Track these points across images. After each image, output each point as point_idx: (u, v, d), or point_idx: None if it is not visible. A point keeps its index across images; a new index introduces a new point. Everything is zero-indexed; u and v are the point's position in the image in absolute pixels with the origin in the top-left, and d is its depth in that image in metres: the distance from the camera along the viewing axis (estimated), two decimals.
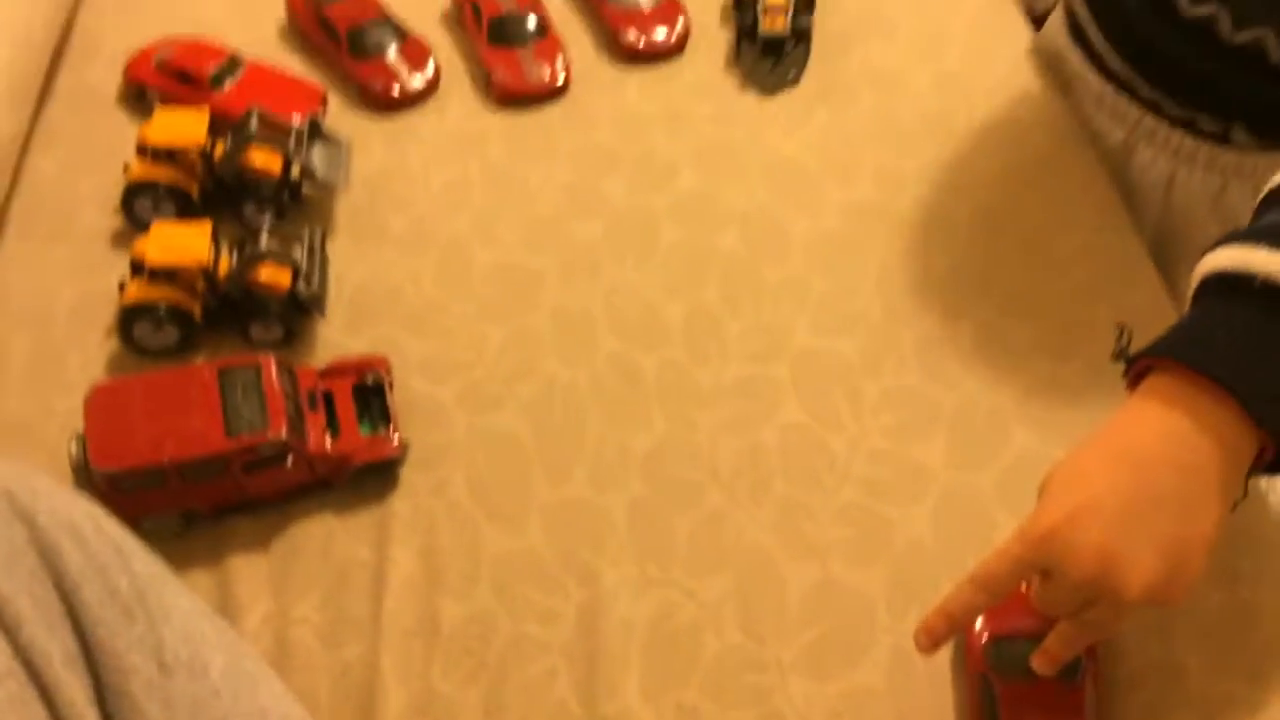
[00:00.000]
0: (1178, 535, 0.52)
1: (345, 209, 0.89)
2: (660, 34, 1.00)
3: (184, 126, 0.84)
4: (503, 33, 0.98)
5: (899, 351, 0.81)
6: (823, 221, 0.89)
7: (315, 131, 0.87)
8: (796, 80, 0.98)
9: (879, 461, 0.75)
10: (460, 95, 0.98)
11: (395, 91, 0.95)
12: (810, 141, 0.95)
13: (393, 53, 0.96)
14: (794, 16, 0.98)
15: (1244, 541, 0.72)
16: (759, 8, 0.99)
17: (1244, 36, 0.81)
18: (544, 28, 0.99)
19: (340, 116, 0.95)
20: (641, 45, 1.00)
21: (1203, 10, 0.82)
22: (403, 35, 0.98)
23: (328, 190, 0.87)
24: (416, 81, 0.96)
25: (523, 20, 0.99)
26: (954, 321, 0.83)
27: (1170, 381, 0.53)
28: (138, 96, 0.94)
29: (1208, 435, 0.51)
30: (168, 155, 0.83)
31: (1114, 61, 0.92)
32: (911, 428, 0.77)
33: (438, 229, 0.88)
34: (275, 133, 0.85)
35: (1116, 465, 0.53)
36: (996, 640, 0.64)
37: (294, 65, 0.99)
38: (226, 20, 1.02)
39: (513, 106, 0.97)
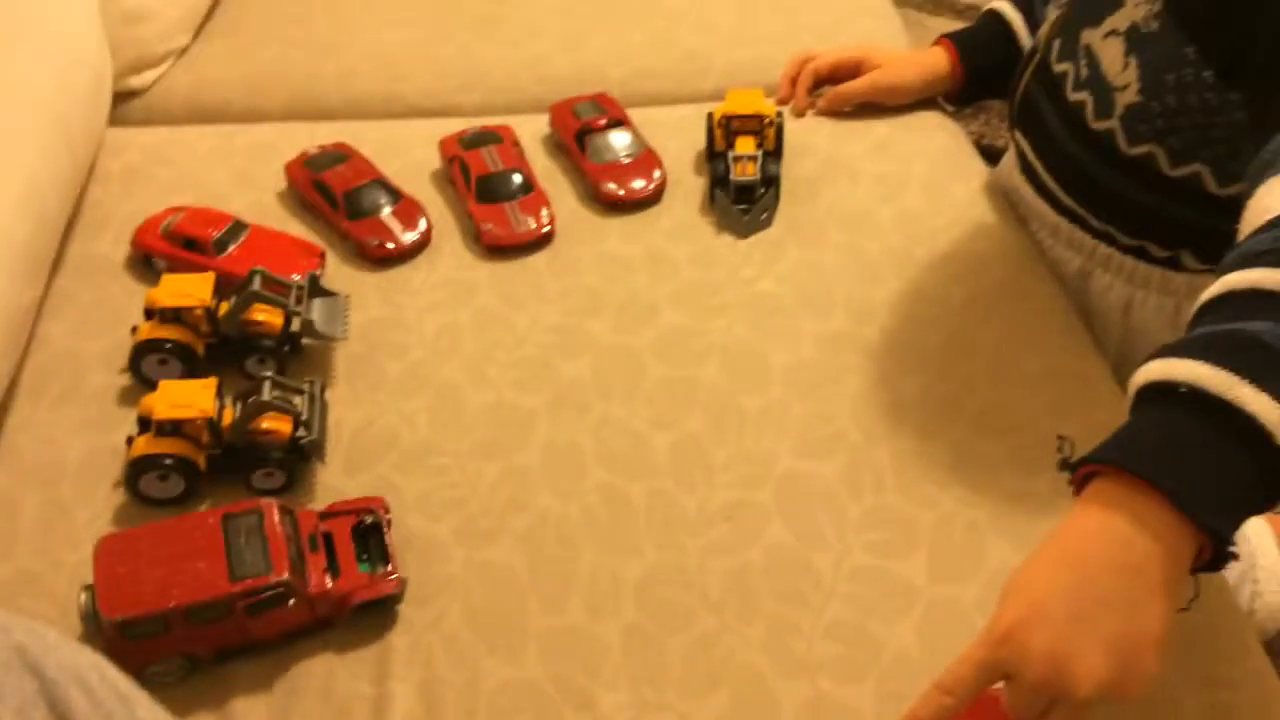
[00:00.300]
0: (1125, 634, 0.54)
1: (344, 358, 0.93)
2: (639, 184, 1.07)
3: (190, 288, 0.89)
4: (490, 190, 1.04)
5: (877, 472, 0.84)
6: (799, 352, 0.93)
7: (315, 287, 0.92)
8: (768, 223, 1.04)
9: (863, 579, 0.78)
10: (451, 248, 1.04)
11: (390, 247, 1.01)
12: (784, 277, 1.00)
13: (387, 212, 1.03)
14: (763, 165, 1.05)
15: (1222, 646, 0.74)
16: (730, 158, 1.06)
17: (1182, 171, 0.87)
18: (529, 184, 1.06)
19: (339, 272, 1.01)
20: (622, 194, 1.06)
21: (1141, 149, 0.88)
22: (396, 195, 1.05)
23: (327, 341, 0.92)
24: (409, 237, 1.02)
25: (508, 177, 1.05)
26: (929, 441, 0.86)
27: (1110, 486, 0.56)
28: (145, 264, 1.00)
29: (1147, 536, 0.54)
30: (174, 316, 0.88)
31: (1064, 197, 0.98)
32: (893, 545, 0.80)
33: (432, 373, 0.92)
34: (277, 290, 0.90)
35: (1062, 569, 0.55)
36: None
37: (294, 227, 1.05)
38: (229, 189, 1.09)
39: (501, 256, 1.02)
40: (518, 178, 1.06)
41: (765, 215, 1.04)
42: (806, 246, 1.03)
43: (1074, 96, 0.93)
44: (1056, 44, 0.96)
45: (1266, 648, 0.78)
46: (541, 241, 1.03)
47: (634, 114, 1.15)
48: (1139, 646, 0.54)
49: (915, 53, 1.19)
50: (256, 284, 0.88)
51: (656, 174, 1.08)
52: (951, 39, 1.16)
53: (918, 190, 1.08)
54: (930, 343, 0.94)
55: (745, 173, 1.04)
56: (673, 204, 1.08)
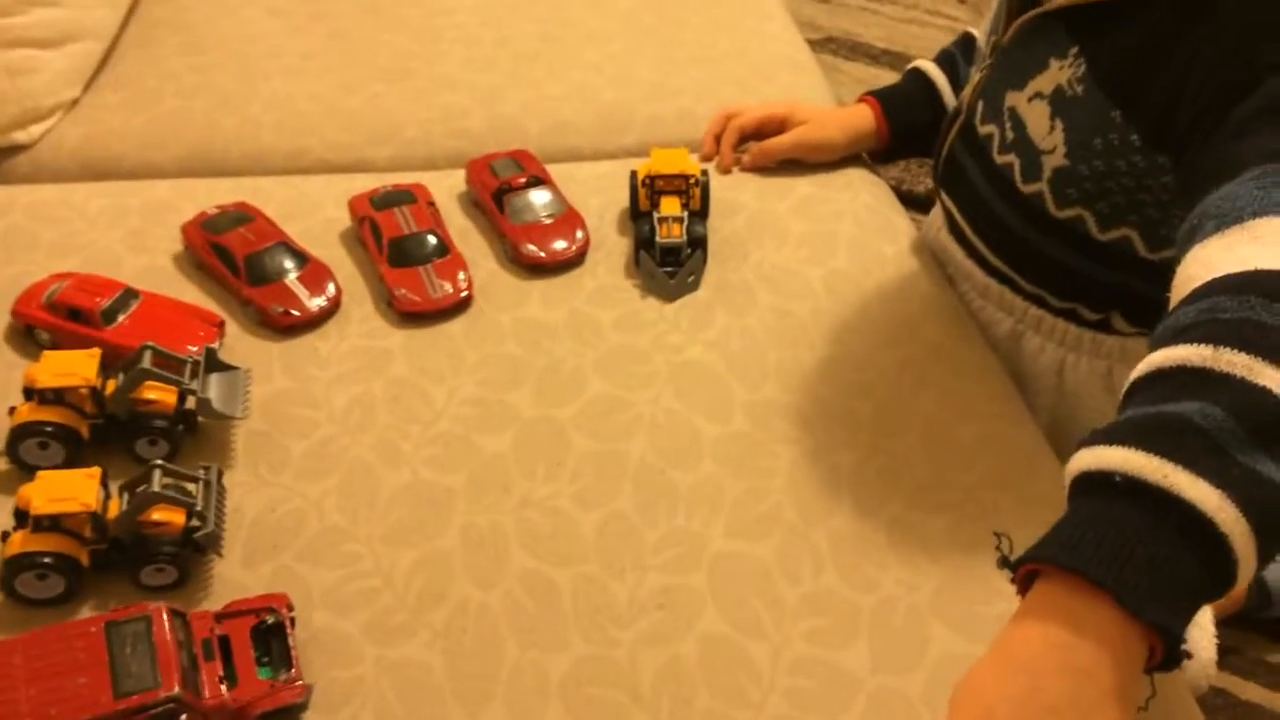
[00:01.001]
0: None
1: (244, 437, 0.87)
2: (561, 245, 1.03)
3: (74, 366, 0.81)
4: (404, 253, 0.99)
5: (815, 553, 0.80)
6: (731, 423, 0.90)
7: (212, 361, 0.86)
8: (695, 285, 1.01)
9: (803, 671, 0.74)
10: (362, 314, 0.98)
11: (295, 314, 0.95)
12: (713, 343, 0.96)
13: (292, 277, 0.97)
14: (689, 226, 1.02)
15: None
16: (655, 219, 1.02)
17: (1111, 235, 0.86)
18: (444, 246, 1.01)
19: (239, 342, 0.94)
20: (543, 256, 1.02)
21: (1070, 212, 0.87)
22: (302, 259, 0.99)
23: (226, 420, 0.85)
24: (316, 303, 0.96)
25: (423, 239, 1.00)
26: (866, 519, 0.83)
27: (1051, 587, 0.53)
28: (26, 335, 0.92)
29: (1090, 639, 0.51)
30: (56, 397, 0.80)
31: (993, 259, 0.97)
32: (833, 632, 0.76)
33: (341, 452, 0.86)
34: (170, 367, 0.83)
35: (1009, 676, 0.52)
36: None
37: (191, 294, 0.98)
38: (121, 252, 1.02)
39: (415, 323, 0.97)
40: (433, 239, 1.01)
41: (692, 278, 1.01)
42: (735, 310, 0.99)
43: (1001, 159, 0.92)
44: (980, 105, 0.95)
45: (1200, 704, 0.77)
46: (459, 307, 0.98)
47: (553, 170, 1.11)
48: None
49: (840, 110, 1.18)
50: (147, 360, 0.82)
51: (579, 235, 1.04)
52: (876, 97, 1.15)
53: (845, 250, 1.05)
54: (863, 412, 0.91)
55: (671, 234, 1.01)
56: (596, 266, 1.04)
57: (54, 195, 1.09)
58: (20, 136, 1.14)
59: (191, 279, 1.00)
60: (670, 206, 1.03)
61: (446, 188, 1.11)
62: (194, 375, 0.84)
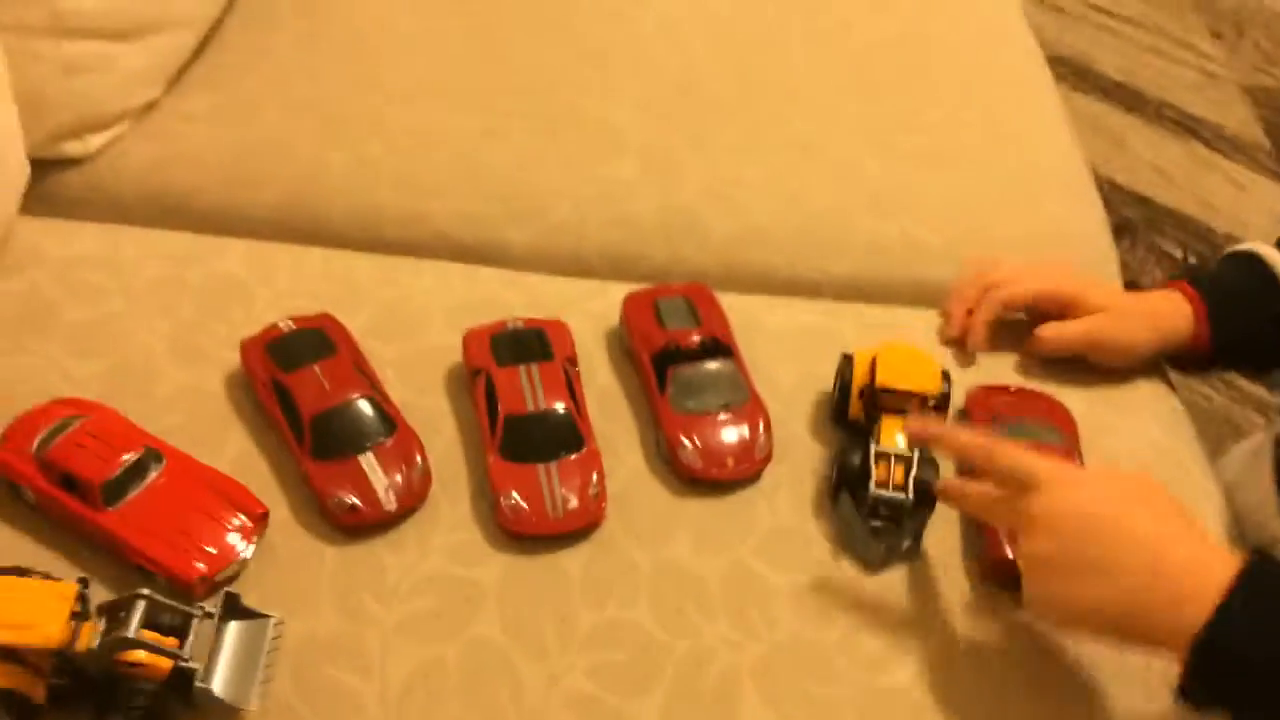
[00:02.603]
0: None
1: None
2: (732, 458, 0.74)
3: (35, 613, 0.57)
4: (522, 440, 0.72)
5: None
6: None
7: (232, 608, 0.61)
8: (915, 553, 0.72)
9: None
10: (454, 515, 0.72)
11: (365, 510, 0.69)
12: (932, 659, 0.68)
13: (369, 454, 0.71)
14: (918, 469, 0.72)
15: None
16: (871, 450, 0.73)
17: None
18: (578, 434, 0.73)
19: (284, 536, 0.69)
20: (710, 471, 0.74)
21: None
22: (389, 424, 0.72)
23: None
24: (391, 498, 0.70)
25: (551, 421, 0.73)
26: None
27: None
28: (10, 491, 0.68)
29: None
30: (8, 653, 0.57)
31: None
32: None
33: None
34: (166, 620, 0.59)
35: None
36: None
37: (236, 441, 0.73)
38: (161, 358, 0.77)
39: (522, 545, 0.70)
40: (564, 422, 0.74)
41: (909, 544, 0.73)
42: (962, 601, 0.71)
43: None
44: None
45: None
46: (583, 531, 0.72)
47: (734, 304, 0.83)
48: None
49: (1145, 299, 0.86)
50: (136, 620, 0.57)
51: (761, 442, 0.76)
52: (1195, 286, 0.83)
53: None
54: None
55: (892, 480, 0.73)
56: (777, 489, 0.75)
57: (96, 246, 0.84)
58: (73, 148, 0.89)
59: (243, 415, 0.76)
60: (894, 431, 0.74)
61: (593, 314, 0.84)
62: (199, 633, 0.59)
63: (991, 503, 0.67)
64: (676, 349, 0.78)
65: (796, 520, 0.74)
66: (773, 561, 0.72)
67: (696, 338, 0.79)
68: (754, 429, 0.76)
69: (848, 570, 0.71)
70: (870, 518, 0.72)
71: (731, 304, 0.84)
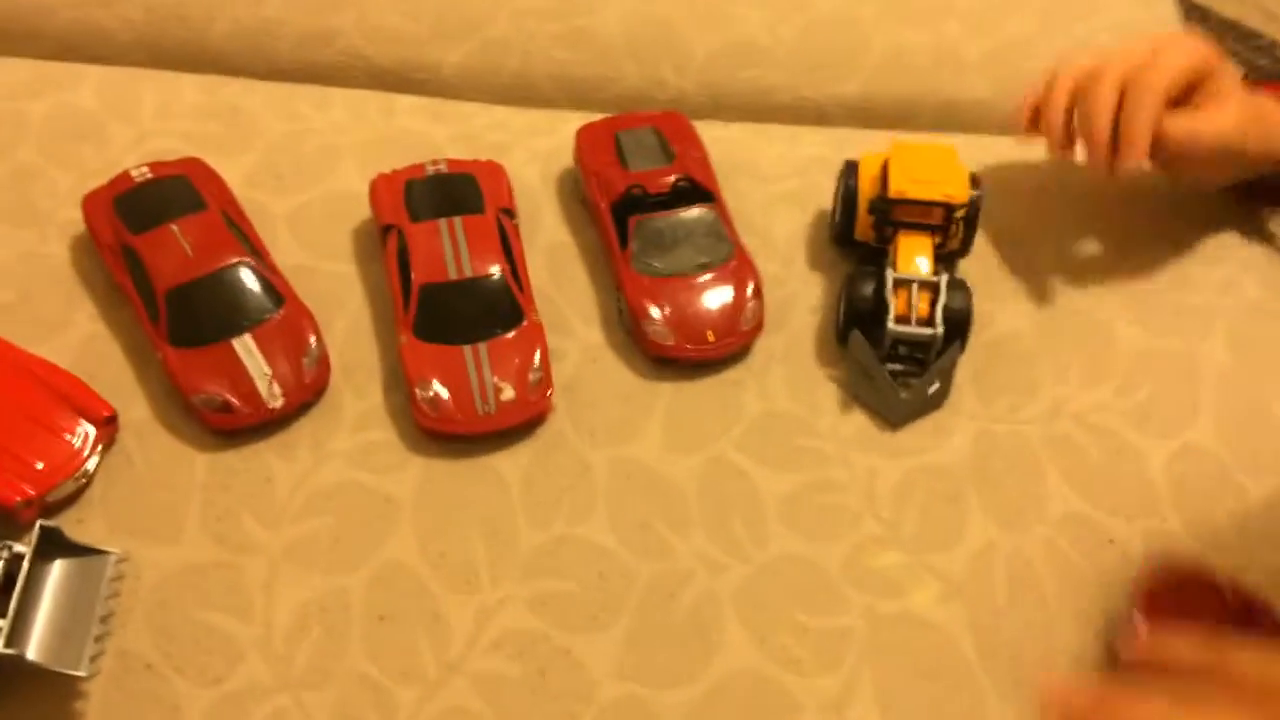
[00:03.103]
0: None
1: (104, 685, 0.48)
2: (712, 332, 0.59)
3: None
4: (443, 317, 0.56)
5: None
6: None
7: (52, 542, 0.47)
8: (939, 400, 0.58)
9: None
10: (359, 409, 0.57)
11: (243, 411, 0.54)
12: (969, 563, 0.55)
13: (246, 337, 0.55)
14: (947, 296, 0.58)
15: None
16: (889, 277, 0.58)
17: None
18: (517, 308, 0.57)
19: (144, 441, 0.54)
20: (684, 349, 0.59)
21: None
22: (275, 297, 0.57)
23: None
24: (276, 393, 0.54)
25: (480, 290, 0.57)
26: None
27: None
28: None
29: None
30: None
31: None
32: None
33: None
34: None
35: None
36: None
37: (81, 326, 0.58)
38: None
39: (446, 446, 0.56)
40: (496, 290, 0.58)
41: (937, 387, 0.58)
42: (1015, 468, 0.57)
43: None
44: None
45: None
46: (524, 426, 0.57)
47: (716, 134, 0.67)
48: None
49: (1260, 99, 0.64)
50: None
51: (749, 310, 0.60)
52: None
53: (1215, 390, 0.61)
54: None
55: (915, 313, 0.58)
56: (772, 348, 0.61)
57: None
58: None
59: (93, 290, 0.60)
60: (915, 253, 0.59)
61: (539, 154, 0.68)
62: (8, 576, 0.45)
63: None
64: (643, 194, 0.62)
65: (793, 405, 0.59)
66: (762, 459, 0.57)
67: (668, 179, 0.63)
68: (739, 292, 0.60)
69: (857, 466, 0.57)
70: (889, 360, 0.58)
71: (715, 136, 0.68)
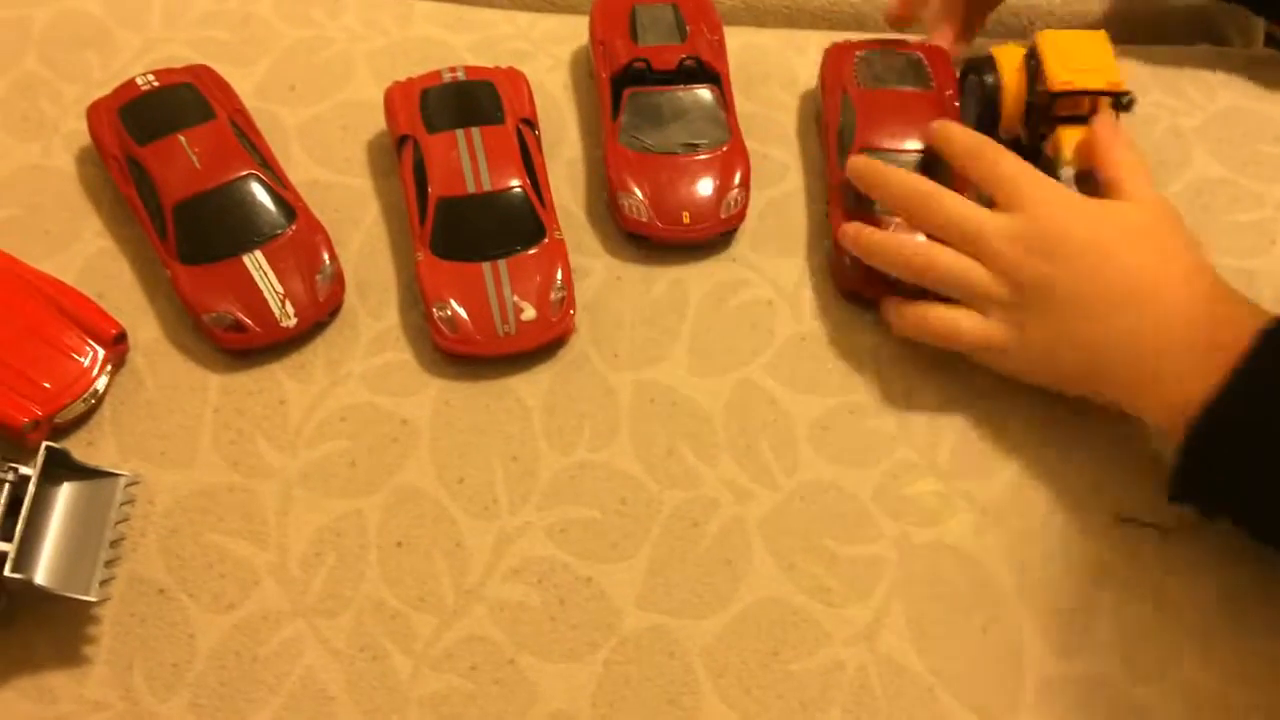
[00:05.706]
0: None
1: (115, 610, 0.47)
2: (688, 211, 0.57)
3: None
4: (462, 232, 0.54)
5: None
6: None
7: (59, 464, 0.46)
8: None
9: None
10: (376, 329, 0.55)
11: (254, 330, 0.52)
12: (1013, 483, 0.52)
13: (258, 253, 0.53)
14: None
15: None
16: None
17: None
18: (538, 223, 0.55)
19: (156, 362, 0.53)
20: (655, 225, 0.57)
21: None
22: (286, 211, 0.54)
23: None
24: (289, 312, 0.53)
25: (499, 204, 0.54)
26: None
27: None
28: None
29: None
30: None
31: None
32: None
33: (289, 656, 0.47)
34: None
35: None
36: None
37: (88, 241, 0.56)
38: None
39: (464, 367, 0.54)
40: (517, 204, 0.56)
41: None
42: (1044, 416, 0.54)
43: None
44: None
45: None
46: (546, 348, 0.55)
47: (747, 41, 0.63)
48: None
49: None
50: None
51: (732, 197, 0.57)
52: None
53: None
54: None
55: None
56: (797, 285, 0.58)
57: None
58: None
59: (99, 205, 0.58)
60: (1073, 148, 0.56)
61: (565, 61, 0.65)
62: (14, 498, 0.44)
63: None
64: (646, 68, 0.59)
65: (826, 327, 0.57)
66: (793, 383, 0.55)
67: (675, 56, 0.60)
68: (725, 179, 0.57)
69: (894, 388, 0.55)
70: None
71: (746, 42, 0.65)
